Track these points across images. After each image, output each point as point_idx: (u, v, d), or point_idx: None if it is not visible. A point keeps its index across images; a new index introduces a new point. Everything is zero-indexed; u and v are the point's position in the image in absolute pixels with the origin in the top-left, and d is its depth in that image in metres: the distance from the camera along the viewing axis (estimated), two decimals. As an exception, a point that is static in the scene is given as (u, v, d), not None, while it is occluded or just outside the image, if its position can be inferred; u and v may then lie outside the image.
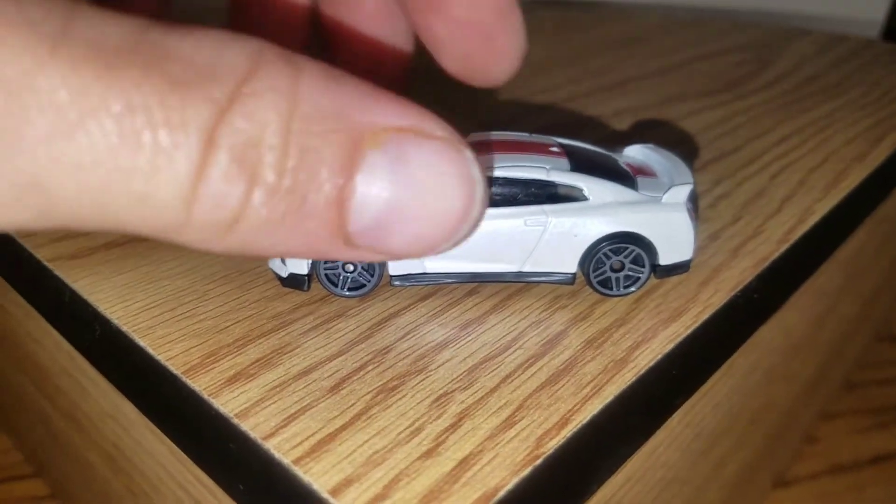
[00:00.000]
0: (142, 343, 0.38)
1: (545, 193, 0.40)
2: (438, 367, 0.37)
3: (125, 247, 0.46)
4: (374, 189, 0.21)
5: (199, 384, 0.35)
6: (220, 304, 0.41)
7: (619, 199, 0.40)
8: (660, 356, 0.39)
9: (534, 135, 0.43)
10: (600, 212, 0.40)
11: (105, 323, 0.40)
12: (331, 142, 0.21)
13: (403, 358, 0.37)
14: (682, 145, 0.65)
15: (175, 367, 0.36)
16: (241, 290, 0.42)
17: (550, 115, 0.69)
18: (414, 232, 0.23)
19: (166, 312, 0.40)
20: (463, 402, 0.34)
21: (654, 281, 0.44)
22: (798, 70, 0.87)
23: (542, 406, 0.34)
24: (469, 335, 0.39)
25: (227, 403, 0.34)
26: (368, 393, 0.35)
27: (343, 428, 0.33)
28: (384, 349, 0.38)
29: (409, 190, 0.22)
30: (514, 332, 0.39)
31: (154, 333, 0.39)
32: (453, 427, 0.33)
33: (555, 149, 0.42)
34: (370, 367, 0.36)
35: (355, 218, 0.22)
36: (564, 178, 0.40)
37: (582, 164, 0.41)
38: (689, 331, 0.41)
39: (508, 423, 0.33)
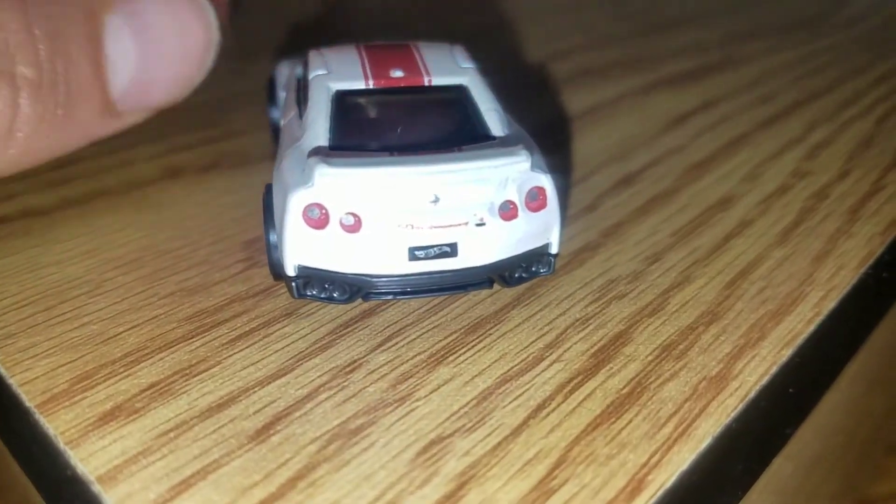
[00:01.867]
0: (-4, 360, 0.25)
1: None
2: (430, 394, 0.23)
3: (15, 223, 0.33)
4: (121, 49, 0.23)
5: (56, 424, 0.22)
6: (117, 300, 0.28)
7: None
8: (774, 368, 0.25)
9: None
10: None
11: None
12: (71, 19, 0.21)
13: (377, 380, 0.24)
14: (759, 85, 0.50)
15: (29, 398, 0.23)
16: (151, 280, 0.29)
17: (599, 54, 0.55)
18: (168, 75, 0.26)
19: (39, 313, 0.27)
20: (467, 453, 0.21)
21: (743, 252, 0.31)
22: (880, 8, 0.72)
23: (597, 459, 0.21)
24: (478, 342, 0.26)
25: (91, 458, 0.21)
26: (316, 440, 0.22)
27: None
28: (348, 366, 0.25)
29: (151, 39, 0.24)
30: (547, 334, 0.26)
31: (14, 344, 0.26)
32: (451, 500, 0.20)
33: None
34: (323, 396, 0.23)
35: (115, 83, 0.24)
36: None
37: None
38: (811, 327, 0.27)
39: (542, 489, 0.20)
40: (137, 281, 0.29)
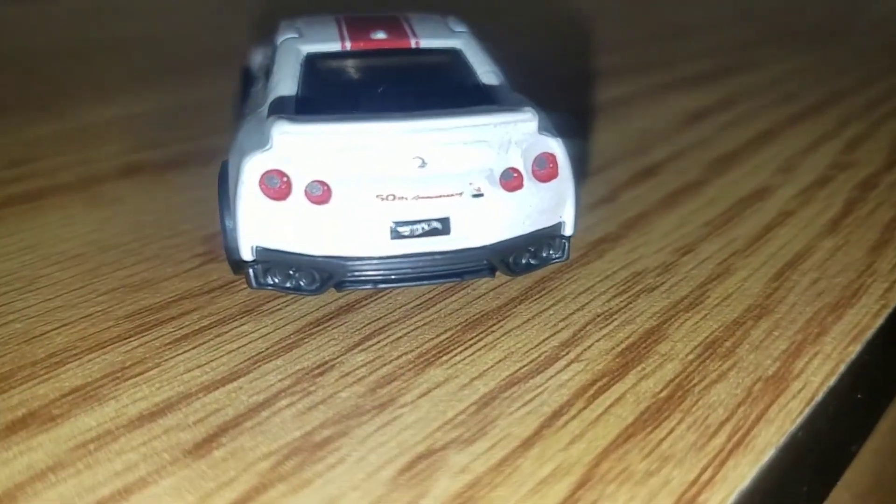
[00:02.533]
0: None
1: None
2: (417, 399, 0.19)
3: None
4: None
5: (-50, 440, 0.18)
6: (50, 297, 0.24)
7: None
8: (841, 367, 0.20)
9: None
10: None
11: None
12: None
13: (352, 384, 0.19)
14: (781, 84, 0.46)
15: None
16: (92, 276, 0.25)
17: (611, 56, 0.52)
18: None
19: (-42, 312, 0.23)
20: (464, 469, 0.16)
21: (788, 242, 0.27)
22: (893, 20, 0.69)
23: (632, 476, 0.16)
24: (478, 339, 0.21)
25: (-13, 478, 0.16)
26: (270, 456, 0.17)
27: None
28: (316, 368, 0.20)
29: None
30: (562, 331, 0.21)
31: (-81, 347, 0.21)
32: (441, 529, 0.15)
33: None
34: (283, 403, 0.19)
35: None
36: None
37: None
38: (878, 321, 0.22)
39: (562, 516, 0.15)
40: (76, 277, 0.25)
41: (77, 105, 0.44)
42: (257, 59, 0.34)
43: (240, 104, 0.35)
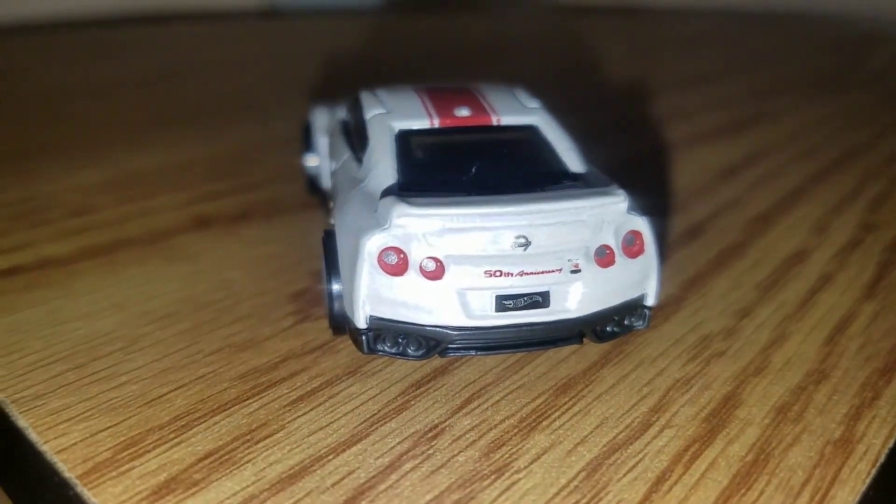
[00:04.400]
0: (21, 423, 0.22)
1: None
2: (530, 464, 0.21)
3: (32, 273, 0.30)
4: None
5: (104, 499, 0.19)
6: (158, 358, 0.25)
7: None
8: (901, 432, 0.22)
9: None
10: None
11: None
12: None
13: (465, 447, 0.21)
14: (799, 139, 0.49)
15: (68, 467, 0.20)
16: (193, 336, 0.26)
17: (630, 107, 0.54)
18: None
19: (70, 371, 0.24)
20: (587, 533, 0.18)
21: (833, 306, 0.29)
22: (891, 72, 0.72)
23: (738, 540, 0.18)
24: (572, 404, 0.23)
25: (145, 543, 0.18)
26: (408, 518, 0.19)
27: None
28: (429, 431, 0.22)
29: None
30: (648, 397, 0.23)
31: (44, 406, 0.23)
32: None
33: None
34: (408, 466, 0.20)
35: None
36: None
37: None
38: (928, 387, 0.25)
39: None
40: (177, 336, 0.26)
41: (114, 150, 0.45)
42: (321, 117, 0.36)
43: (302, 158, 0.37)
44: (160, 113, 0.52)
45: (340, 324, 0.24)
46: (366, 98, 0.29)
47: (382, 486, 0.20)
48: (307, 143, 0.37)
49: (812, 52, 0.78)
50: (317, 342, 0.26)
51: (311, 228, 0.34)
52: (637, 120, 0.52)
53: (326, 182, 0.34)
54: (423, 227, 0.22)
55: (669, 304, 0.29)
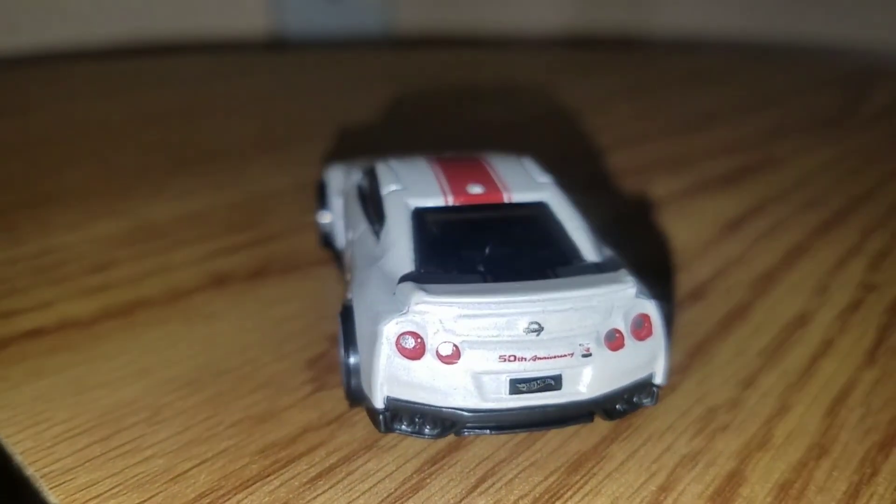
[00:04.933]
0: (52, 500, 0.23)
1: None
2: (544, 547, 0.21)
3: (54, 336, 0.31)
4: None
5: (130, 585, 0.20)
6: (181, 430, 0.26)
7: None
8: (902, 512, 0.23)
9: None
10: None
11: (6, 459, 0.25)
12: None
13: (481, 529, 0.22)
14: (802, 187, 0.50)
15: (95, 549, 0.21)
16: (214, 405, 0.27)
17: (632, 154, 0.55)
18: None
19: (96, 444, 0.25)
20: None
21: (833, 375, 0.30)
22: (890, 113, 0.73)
23: None
24: (583, 483, 0.24)
25: None
26: None
27: None
28: (446, 511, 0.22)
29: None
30: (656, 475, 0.24)
31: (73, 482, 0.24)
32: None
33: None
34: (426, 549, 0.21)
35: None
36: None
37: None
38: (928, 463, 0.25)
39: None
40: (199, 406, 0.27)
41: (131, 196, 0.46)
42: (336, 177, 0.37)
43: (316, 214, 0.38)
44: (174, 155, 0.53)
45: (357, 398, 0.25)
46: (381, 171, 0.30)
47: (401, 573, 0.20)
48: (321, 201, 0.38)
49: (815, 88, 0.79)
50: (334, 413, 0.27)
51: (326, 287, 0.35)
52: (638, 167, 0.52)
53: (340, 241, 0.35)
54: (440, 313, 0.23)
55: (676, 373, 0.29)
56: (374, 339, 0.23)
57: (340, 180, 0.36)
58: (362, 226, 0.29)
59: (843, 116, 0.69)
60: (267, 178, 0.49)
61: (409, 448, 0.25)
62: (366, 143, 0.36)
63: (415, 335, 0.23)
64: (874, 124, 0.67)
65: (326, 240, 0.38)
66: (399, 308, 0.23)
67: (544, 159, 0.31)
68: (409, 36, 1.12)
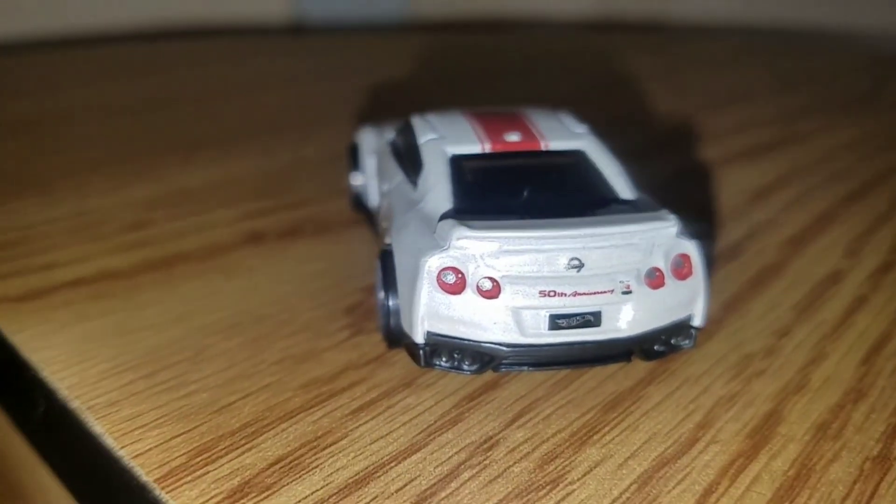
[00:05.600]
0: (97, 429, 0.23)
1: None
2: (583, 476, 0.22)
3: (96, 285, 0.32)
4: None
5: (181, 502, 0.20)
6: (223, 368, 0.26)
7: None
8: (940, 450, 0.23)
9: None
10: None
11: (50, 395, 0.26)
12: None
13: (520, 459, 0.22)
14: (829, 161, 0.50)
15: (145, 472, 0.22)
16: (255, 346, 0.28)
17: (659, 129, 0.55)
18: None
19: (140, 379, 0.26)
20: (640, 541, 0.19)
21: (868, 327, 0.30)
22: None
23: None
24: (620, 420, 0.24)
25: (224, 542, 0.19)
26: (471, 523, 0.20)
27: None
28: (484, 442, 0.23)
29: None
30: (693, 413, 0.24)
31: (118, 413, 0.24)
32: None
33: None
34: (466, 475, 0.21)
35: None
36: None
37: None
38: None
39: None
40: (240, 346, 0.28)
41: (162, 166, 0.46)
42: (368, 138, 0.37)
43: (349, 176, 0.38)
44: (204, 131, 0.54)
45: (396, 338, 0.25)
46: (417, 123, 0.30)
47: (443, 494, 0.21)
48: (354, 163, 0.38)
49: (844, 73, 0.79)
50: (372, 354, 0.27)
51: (358, 245, 0.36)
52: (668, 141, 0.53)
53: (373, 200, 0.36)
54: (481, 248, 0.23)
55: (711, 324, 0.29)
56: (415, 275, 0.24)
57: (373, 141, 0.37)
58: (398, 177, 0.30)
59: (871, 100, 0.69)
60: (296, 149, 0.50)
61: (448, 386, 0.26)
62: (390, 118, 0.37)
63: (455, 270, 0.23)
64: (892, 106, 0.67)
65: (358, 201, 0.38)
66: (440, 245, 0.24)
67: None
68: (430, 21, 1.12)
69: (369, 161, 0.37)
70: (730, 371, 0.27)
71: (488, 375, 0.26)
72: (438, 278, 0.23)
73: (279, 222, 0.39)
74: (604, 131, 0.30)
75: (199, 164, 0.47)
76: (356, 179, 0.38)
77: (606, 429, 0.24)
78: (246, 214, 0.40)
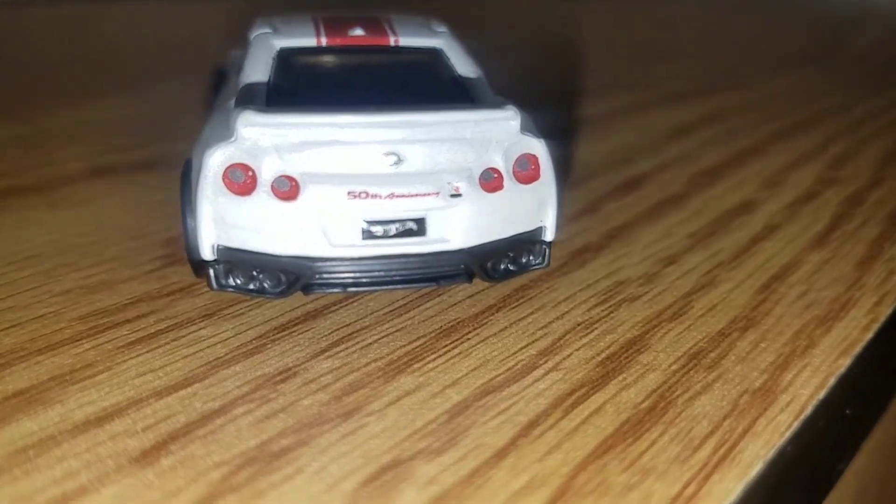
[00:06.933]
0: None
1: None
2: (385, 407, 0.18)
3: None
4: None
5: None
6: (2, 297, 0.22)
7: None
8: (831, 380, 0.19)
9: None
10: None
11: None
12: None
13: (315, 391, 0.18)
14: (763, 105, 0.46)
15: None
16: (47, 276, 0.23)
17: (590, 77, 0.51)
18: None
19: None
20: (433, 480, 0.15)
21: (775, 256, 0.26)
22: (876, 50, 0.69)
23: (611, 488, 0.15)
24: (452, 347, 0.20)
25: None
26: (222, 465, 0.16)
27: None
28: (278, 375, 0.19)
29: None
30: (540, 340, 0.20)
31: None
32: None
33: None
34: (240, 411, 0.17)
35: None
36: None
37: None
38: (868, 334, 0.22)
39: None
40: (31, 277, 0.24)
41: (42, 112, 0.42)
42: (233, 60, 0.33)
43: (210, 103, 0.34)
44: (98, 81, 0.50)
45: (195, 257, 0.21)
46: (258, 23, 0.26)
47: (201, 431, 0.17)
48: (216, 87, 0.34)
49: (800, 31, 0.75)
50: (178, 285, 0.23)
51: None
52: (598, 87, 0.49)
53: None
54: (275, 139, 0.19)
55: (588, 252, 0.26)
56: (198, 175, 0.20)
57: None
58: (231, 81, 0.26)
59: (814, 56, 0.65)
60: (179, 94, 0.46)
61: (260, 316, 0.21)
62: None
63: (245, 167, 0.19)
64: (847, 63, 0.64)
65: None
66: (227, 136, 0.19)
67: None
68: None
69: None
70: (597, 297, 0.23)
71: (311, 304, 0.22)
72: (225, 177, 0.19)
73: (135, 158, 0.34)
74: (538, 77, 0.26)
75: (72, 109, 0.42)
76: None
77: (431, 356, 0.20)
78: (104, 150, 0.35)
